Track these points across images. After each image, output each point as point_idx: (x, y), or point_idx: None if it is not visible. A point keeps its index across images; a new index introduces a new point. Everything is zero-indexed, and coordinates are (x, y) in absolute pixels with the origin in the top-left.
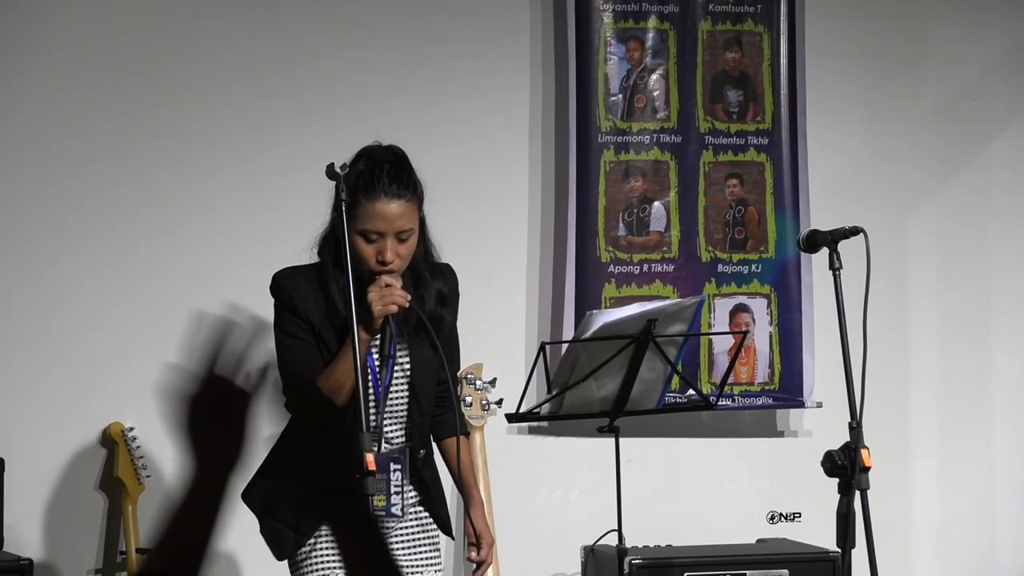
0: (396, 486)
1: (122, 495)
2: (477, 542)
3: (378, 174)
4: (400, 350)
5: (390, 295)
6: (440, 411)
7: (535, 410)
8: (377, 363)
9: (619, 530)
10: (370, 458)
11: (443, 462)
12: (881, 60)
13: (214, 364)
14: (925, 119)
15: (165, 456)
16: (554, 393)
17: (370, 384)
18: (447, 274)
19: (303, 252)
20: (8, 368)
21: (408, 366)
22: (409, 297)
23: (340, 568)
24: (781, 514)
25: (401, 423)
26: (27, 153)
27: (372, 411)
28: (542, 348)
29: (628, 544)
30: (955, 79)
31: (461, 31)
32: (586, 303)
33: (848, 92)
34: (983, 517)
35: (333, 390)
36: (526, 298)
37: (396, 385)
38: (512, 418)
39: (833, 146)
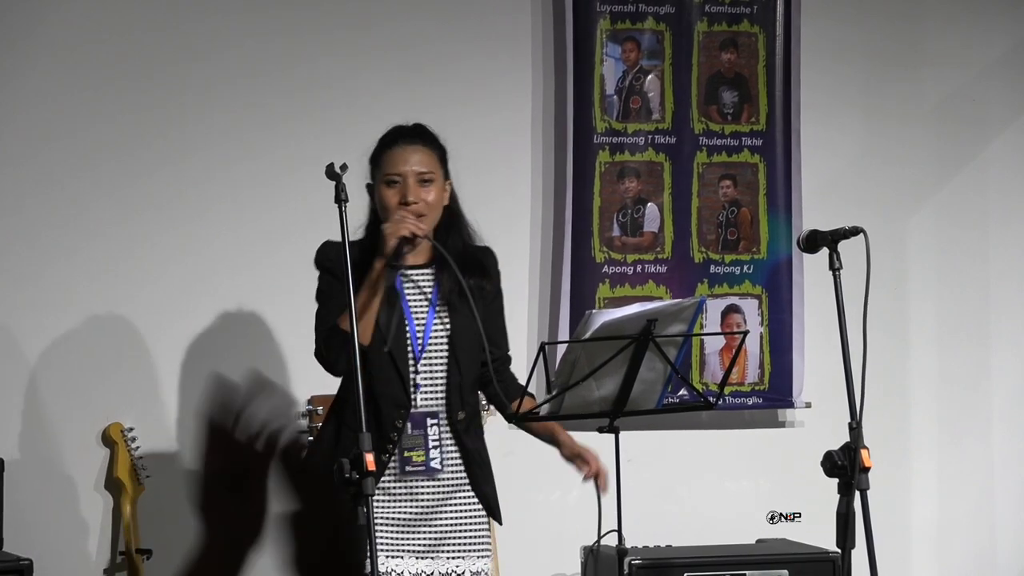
0: (434, 440)
1: (122, 495)
2: (581, 458)
3: (398, 128)
4: (440, 311)
5: (403, 221)
6: (500, 379)
7: (535, 410)
8: (417, 319)
9: (619, 530)
10: (370, 458)
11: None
12: (878, 61)
13: (233, 430)
14: (923, 120)
15: (165, 457)
16: (554, 393)
17: (408, 339)
18: (487, 254)
19: (306, 251)
20: (8, 368)
21: (449, 325)
22: (425, 229)
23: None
24: (781, 514)
25: (441, 382)
26: (27, 154)
27: (411, 367)
28: (542, 348)
29: (628, 544)
30: (953, 80)
31: (461, 33)
32: (581, 304)
33: (845, 93)
34: (983, 517)
35: (350, 320)
36: (527, 299)
37: (435, 342)
38: (512, 418)
39: (829, 147)
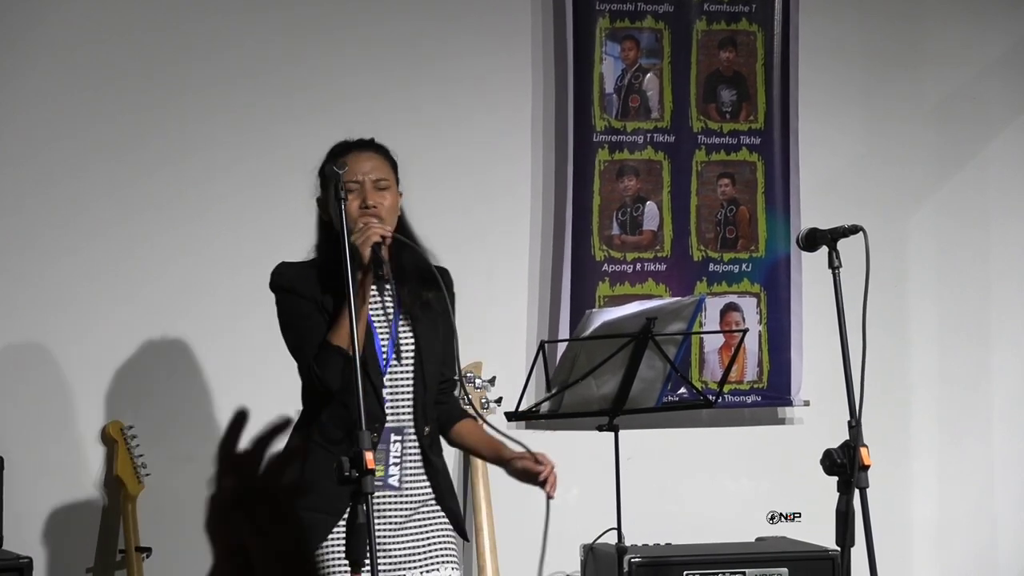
0: (395, 457)
1: (121, 494)
2: (533, 459)
3: (347, 142)
4: (403, 325)
5: (368, 228)
6: (444, 401)
7: (534, 408)
8: (380, 333)
9: (618, 529)
10: (369, 456)
11: (454, 449)
12: (877, 60)
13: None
14: (922, 119)
15: (164, 455)
16: (553, 391)
17: (375, 352)
18: (444, 273)
19: (304, 252)
20: (8, 367)
21: (413, 339)
22: (390, 230)
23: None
24: (781, 514)
25: (406, 397)
26: (26, 154)
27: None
28: (541, 347)
29: (627, 543)
30: (953, 79)
31: (461, 31)
32: (581, 302)
33: (844, 92)
34: (983, 516)
35: (342, 338)
36: (527, 297)
37: (401, 356)
38: (512, 416)
39: (828, 145)
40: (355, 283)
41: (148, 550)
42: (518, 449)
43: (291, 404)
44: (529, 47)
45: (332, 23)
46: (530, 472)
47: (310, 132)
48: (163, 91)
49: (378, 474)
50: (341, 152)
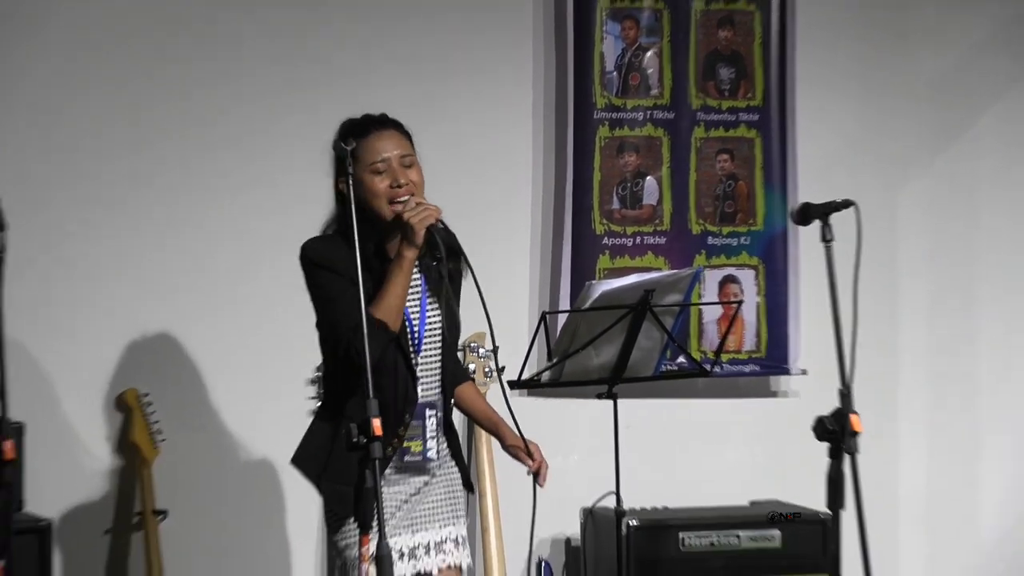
0: (432, 432)
1: (138, 459)
2: (527, 451)
3: (365, 119)
4: (431, 303)
5: (425, 209)
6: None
7: (536, 377)
8: (412, 311)
9: (617, 493)
10: (376, 423)
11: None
12: (872, 38)
13: None
14: (917, 95)
15: (179, 421)
16: (555, 361)
17: (408, 332)
18: (453, 237)
19: (303, 227)
20: (28, 336)
21: (439, 318)
22: (441, 211)
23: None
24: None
25: (435, 373)
26: (51, 139)
27: (412, 361)
28: (543, 318)
29: (626, 506)
30: (945, 56)
31: (464, 11)
32: (582, 274)
33: (840, 69)
34: (968, 480)
35: (388, 313)
36: (529, 269)
37: (429, 337)
38: (514, 385)
39: (825, 121)
40: (400, 257)
41: (164, 512)
42: (514, 434)
43: (302, 373)
44: (531, 26)
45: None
46: (522, 461)
47: (319, 106)
48: (170, 89)
49: (416, 449)
50: (359, 130)
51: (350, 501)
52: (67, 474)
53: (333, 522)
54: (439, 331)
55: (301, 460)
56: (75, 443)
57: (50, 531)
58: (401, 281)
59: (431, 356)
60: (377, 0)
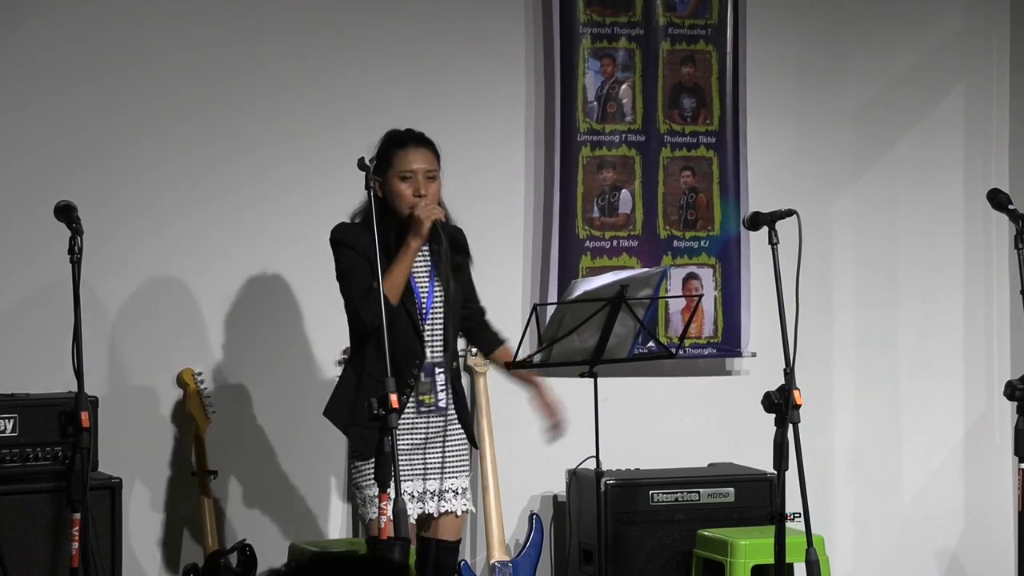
0: (442, 385)
1: (193, 427)
2: (549, 409)
3: (407, 133)
4: (437, 284)
5: (432, 208)
6: (483, 331)
7: (529, 359)
8: (421, 287)
9: (596, 456)
10: (394, 398)
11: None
12: (810, 74)
13: None
14: (845, 122)
15: (228, 395)
16: (544, 345)
17: (416, 304)
18: (461, 234)
19: (333, 217)
20: (102, 324)
21: (442, 296)
22: (445, 213)
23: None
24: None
25: (440, 338)
26: (109, 134)
27: (422, 326)
28: (534, 309)
29: (604, 468)
30: (869, 90)
31: (465, 51)
32: (567, 272)
33: (782, 100)
34: (891, 444)
35: (391, 288)
36: (522, 268)
37: (435, 309)
38: (510, 366)
39: (771, 143)
40: (407, 245)
41: (215, 472)
42: (547, 385)
43: (336, 347)
44: (523, 64)
45: (347, 28)
46: (542, 415)
47: (329, 128)
48: (175, 88)
49: (429, 401)
50: (403, 142)
51: (372, 441)
52: (135, 439)
53: (357, 457)
54: (441, 308)
55: (331, 411)
56: (141, 414)
57: (120, 487)
58: (405, 262)
59: (436, 326)
60: (390, 40)
